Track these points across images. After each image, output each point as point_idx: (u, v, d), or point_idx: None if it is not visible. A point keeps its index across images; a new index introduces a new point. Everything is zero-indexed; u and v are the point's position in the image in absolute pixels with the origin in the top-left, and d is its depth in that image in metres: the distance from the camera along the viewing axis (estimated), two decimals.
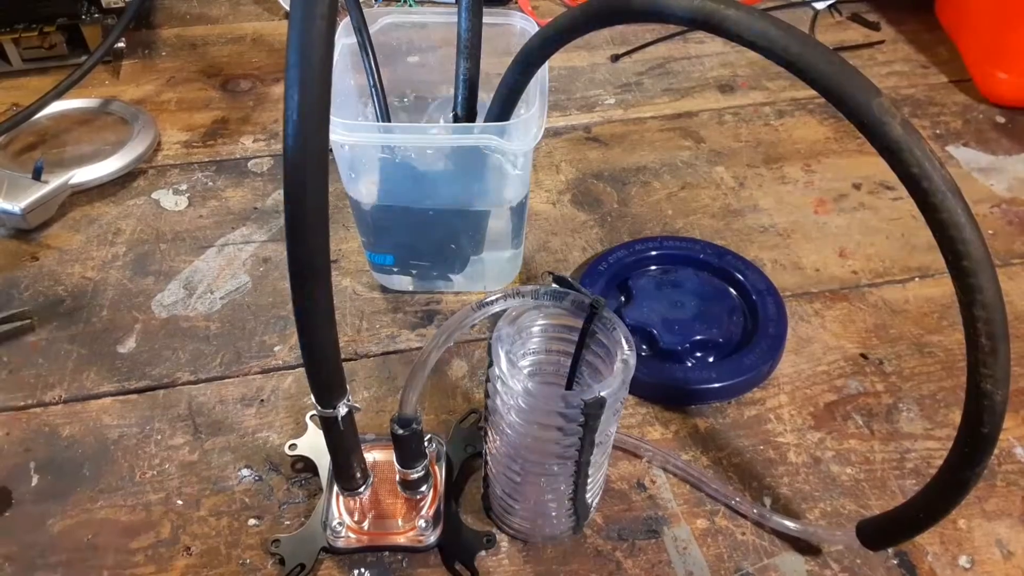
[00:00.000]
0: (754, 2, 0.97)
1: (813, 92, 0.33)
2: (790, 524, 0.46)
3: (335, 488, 0.47)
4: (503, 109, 0.50)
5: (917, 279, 0.63)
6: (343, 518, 0.46)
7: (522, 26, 0.58)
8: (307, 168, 0.28)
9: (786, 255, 0.65)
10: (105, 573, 0.45)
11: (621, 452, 0.51)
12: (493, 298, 0.39)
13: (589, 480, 0.42)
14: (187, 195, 0.70)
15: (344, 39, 0.56)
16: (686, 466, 0.49)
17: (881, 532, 0.43)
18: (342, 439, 0.40)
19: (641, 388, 0.54)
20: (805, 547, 0.46)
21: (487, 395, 0.41)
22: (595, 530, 0.47)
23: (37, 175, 0.66)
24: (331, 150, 0.62)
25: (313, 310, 0.32)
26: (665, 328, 0.56)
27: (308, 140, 0.28)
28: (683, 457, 0.50)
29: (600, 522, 0.47)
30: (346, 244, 0.66)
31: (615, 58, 0.88)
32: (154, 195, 0.70)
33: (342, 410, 0.38)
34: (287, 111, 0.28)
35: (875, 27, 0.94)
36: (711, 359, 0.56)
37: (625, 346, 0.39)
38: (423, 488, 0.46)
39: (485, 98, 0.53)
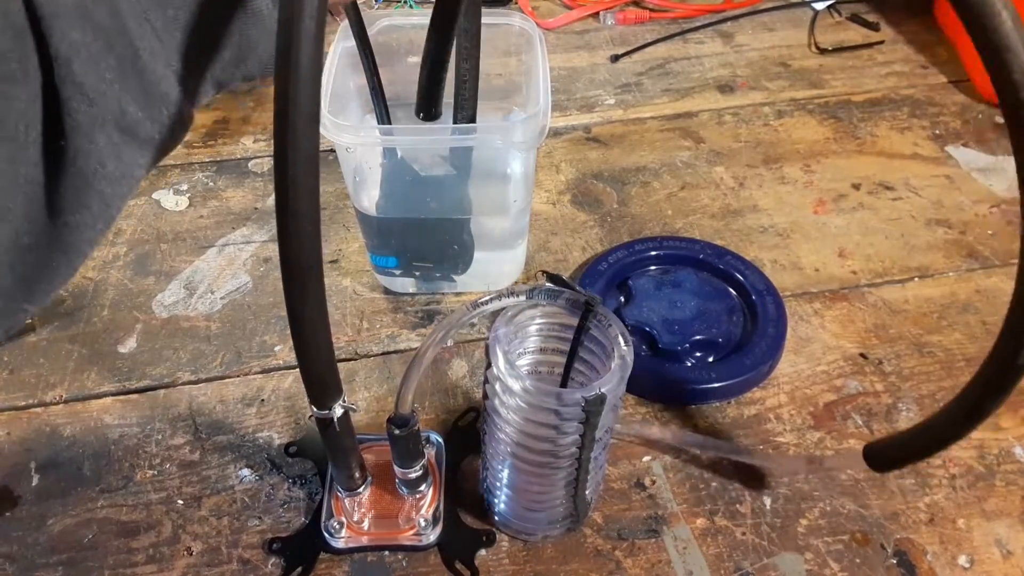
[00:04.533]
0: (754, 2, 0.97)
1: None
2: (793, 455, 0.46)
3: (335, 487, 0.47)
4: (431, 84, 0.49)
5: (916, 279, 0.63)
6: (343, 517, 0.46)
7: (522, 26, 0.58)
8: (297, 167, 0.28)
9: (785, 255, 0.65)
10: (106, 573, 0.45)
11: (621, 452, 0.51)
12: (488, 297, 0.39)
13: (589, 477, 0.42)
14: (187, 195, 0.70)
15: (343, 42, 0.56)
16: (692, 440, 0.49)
17: (890, 454, 0.42)
18: (339, 440, 0.40)
19: (641, 388, 0.54)
20: (804, 546, 0.46)
21: (485, 396, 0.41)
22: (595, 529, 0.47)
23: None
24: (335, 152, 0.62)
25: (305, 311, 0.32)
26: (665, 328, 0.56)
27: (298, 140, 0.28)
28: (683, 456, 0.50)
29: (600, 521, 0.47)
30: (346, 244, 0.66)
31: (615, 58, 0.89)
32: (155, 195, 0.70)
33: (338, 411, 0.38)
34: (277, 111, 0.28)
35: (875, 27, 0.94)
36: (711, 359, 0.56)
37: (622, 342, 0.39)
38: (422, 487, 0.46)
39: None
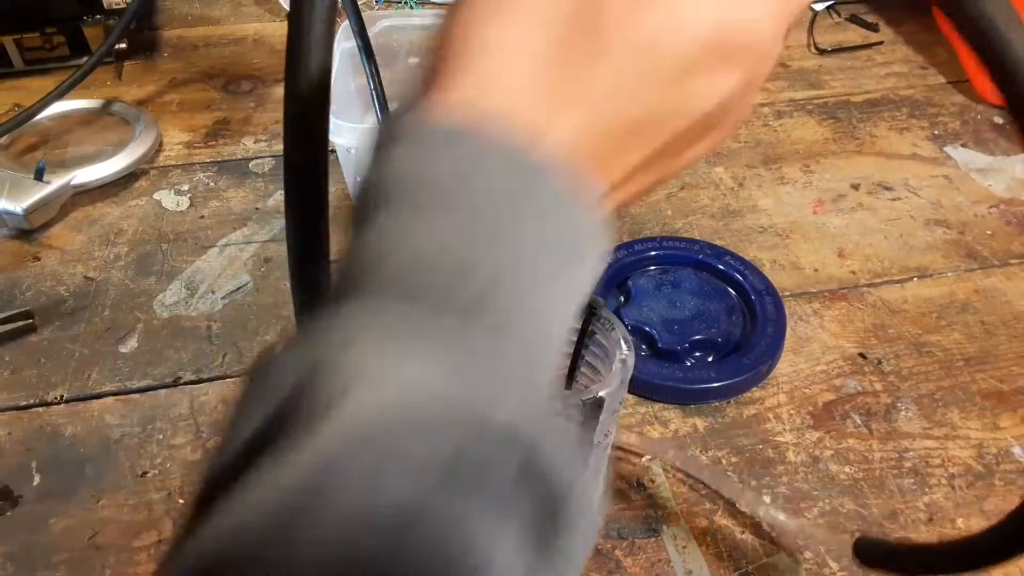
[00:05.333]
0: None
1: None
2: (786, 521, 0.46)
3: None
4: None
5: (915, 279, 0.63)
6: None
7: None
8: (307, 168, 0.29)
9: (785, 255, 0.65)
10: (107, 572, 0.45)
11: (621, 452, 0.51)
12: None
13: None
14: (188, 195, 0.70)
15: (344, 43, 0.56)
16: (694, 460, 0.49)
17: (878, 556, 0.40)
18: None
19: (640, 388, 0.54)
20: (804, 546, 0.46)
21: None
22: None
23: (39, 175, 0.66)
24: (336, 153, 0.63)
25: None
26: (664, 328, 0.56)
27: (308, 140, 0.28)
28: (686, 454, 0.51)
29: (600, 521, 0.48)
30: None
31: None
32: (156, 195, 0.70)
33: None
34: (287, 113, 0.28)
35: (874, 28, 0.94)
36: (710, 359, 0.56)
37: (623, 346, 0.39)
38: None
39: None
